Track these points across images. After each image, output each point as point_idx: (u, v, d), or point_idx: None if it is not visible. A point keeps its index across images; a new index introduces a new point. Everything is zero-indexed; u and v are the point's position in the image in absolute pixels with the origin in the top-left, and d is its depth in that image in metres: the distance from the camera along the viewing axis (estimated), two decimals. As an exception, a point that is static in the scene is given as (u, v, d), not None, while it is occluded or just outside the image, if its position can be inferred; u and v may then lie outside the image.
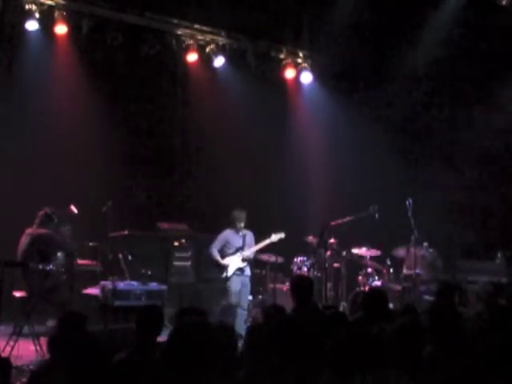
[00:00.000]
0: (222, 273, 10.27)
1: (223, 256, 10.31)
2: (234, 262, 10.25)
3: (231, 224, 10.34)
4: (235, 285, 10.19)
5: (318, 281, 10.55)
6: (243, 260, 10.27)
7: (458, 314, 4.52)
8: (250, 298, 11.16)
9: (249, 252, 10.32)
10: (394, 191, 10.97)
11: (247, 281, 10.36)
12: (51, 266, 9.06)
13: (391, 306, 8.70)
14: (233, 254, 10.29)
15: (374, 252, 11.04)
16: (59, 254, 8.97)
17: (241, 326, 9.37)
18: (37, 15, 10.49)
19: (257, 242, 10.47)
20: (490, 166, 12.24)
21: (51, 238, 9.01)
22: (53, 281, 9.03)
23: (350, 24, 11.52)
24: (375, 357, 3.92)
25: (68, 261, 9.11)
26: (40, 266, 9.09)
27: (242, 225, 10.26)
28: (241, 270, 10.27)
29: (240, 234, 10.33)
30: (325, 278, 10.42)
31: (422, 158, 12.70)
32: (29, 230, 9.02)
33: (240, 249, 10.27)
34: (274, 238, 10.38)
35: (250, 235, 10.41)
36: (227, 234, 10.39)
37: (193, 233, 11.46)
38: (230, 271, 10.23)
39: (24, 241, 8.96)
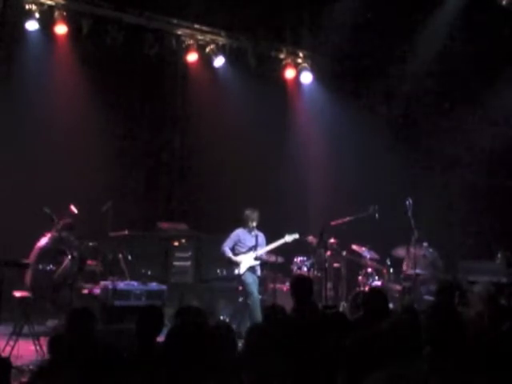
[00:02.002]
0: (234, 270, 10.31)
1: (235, 255, 10.36)
2: (246, 260, 10.29)
3: (243, 223, 10.34)
4: (253, 284, 10.19)
5: (317, 281, 10.55)
6: (256, 259, 10.30)
7: (457, 313, 4.51)
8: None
9: (262, 251, 10.33)
10: (394, 191, 10.97)
11: (257, 281, 10.39)
12: (51, 266, 9.21)
13: (391, 305, 8.69)
14: (246, 252, 10.32)
15: (374, 255, 11.05)
16: (69, 256, 9.29)
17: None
18: (37, 15, 10.50)
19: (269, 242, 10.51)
20: (490, 166, 12.23)
21: (69, 240, 9.44)
22: (56, 280, 9.21)
23: (350, 24, 11.51)
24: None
25: (80, 261, 9.42)
26: (40, 266, 9.21)
27: (255, 224, 10.27)
28: (253, 268, 10.30)
29: (252, 233, 10.34)
30: (325, 278, 10.41)
31: (421, 158, 12.70)
32: (48, 234, 9.45)
33: (253, 248, 10.29)
34: (288, 238, 10.40)
35: (261, 236, 10.42)
36: (239, 232, 10.41)
37: (193, 233, 11.46)
38: (243, 269, 10.25)
39: (44, 240, 9.40)
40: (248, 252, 10.31)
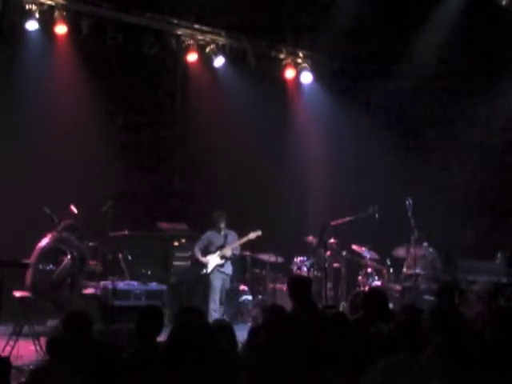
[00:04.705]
0: (202, 269, 10.70)
1: (206, 255, 10.72)
2: (213, 260, 10.65)
3: (213, 225, 10.73)
4: (217, 282, 10.58)
5: (317, 281, 10.55)
6: (221, 257, 10.62)
7: (458, 313, 4.51)
8: (250, 298, 11.20)
9: (227, 250, 10.63)
10: (394, 191, 10.97)
11: (227, 279, 10.74)
12: (51, 266, 9.24)
13: (391, 305, 8.69)
14: (214, 252, 10.69)
15: (374, 255, 11.05)
16: (69, 255, 9.33)
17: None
18: (37, 15, 10.50)
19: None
20: (490, 166, 12.23)
21: (70, 240, 9.57)
22: (55, 280, 9.23)
23: (350, 24, 11.50)
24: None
25: (80, 261, 9.50)
26: (40, 266, 9.23)
27: (223, 225, 10.67)
28: (221, 267, 10.61)
29: (222, 233, 10.73)
30: (325, 278, 10.41)
31: (422, 157, 12.70)
32: (49, 234, 9.54)
33: (221, 247, 10.68)
34: (252, 235, 10.76)
35: (232, 234, 10.79)
36: (209, 234, 10.82)
37: (193, 233, 11.46)
38: (210, 268, 10.62)
39: (45, 240, 9.49)
40: (216, 252, 10.67)
